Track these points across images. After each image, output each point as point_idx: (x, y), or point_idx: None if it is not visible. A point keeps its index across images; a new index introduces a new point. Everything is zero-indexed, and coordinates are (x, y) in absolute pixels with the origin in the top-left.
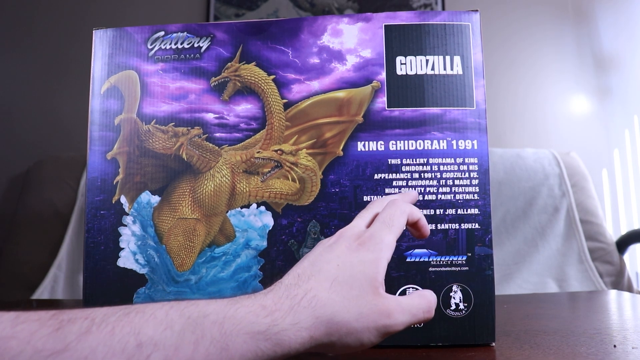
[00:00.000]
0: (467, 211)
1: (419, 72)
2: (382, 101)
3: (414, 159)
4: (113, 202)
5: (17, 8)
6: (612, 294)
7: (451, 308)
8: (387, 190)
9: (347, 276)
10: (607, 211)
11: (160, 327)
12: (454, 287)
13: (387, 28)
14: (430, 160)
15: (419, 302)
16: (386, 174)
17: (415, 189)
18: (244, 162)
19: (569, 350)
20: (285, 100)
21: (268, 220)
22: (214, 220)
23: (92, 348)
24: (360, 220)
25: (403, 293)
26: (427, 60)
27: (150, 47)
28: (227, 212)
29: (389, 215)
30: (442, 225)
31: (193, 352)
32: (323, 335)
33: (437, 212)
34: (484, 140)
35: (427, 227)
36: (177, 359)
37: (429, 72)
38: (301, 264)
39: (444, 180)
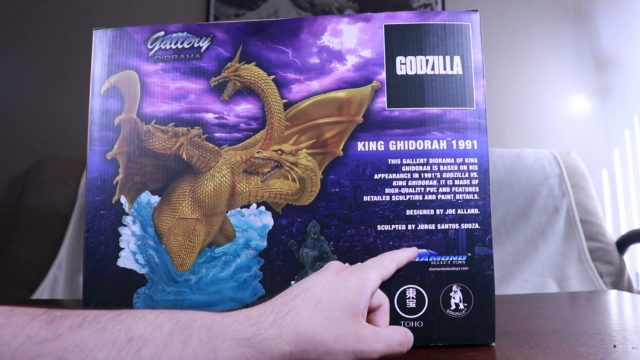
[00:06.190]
0: (467, 211)
1: (419, 72)
2: (382, 101)
3: (414, 159)
4: (113, 202)
5: (17, 8)
6: (612, 294)
7: (451, 308)
8: (387, 190)
9: (331, 299)
10: (607, 211)
11: (150, 327)
12: (454, 287)
13: (387, 28)
14: (430, 160)
15: (394, 335)
16: (386, 174)
17: (415, 189)
18: (244, 162)
19: (569, 350)
20: (285, 100)
21: (268, 220)
22: (214, 220)
23: (84, 338)
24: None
25: (403, 293)
26: (427, 60)
27: (150, 47)
28: (227, 212)
29: (379, 258)
30: (442, 225)
31: (182, 351)
32: (302, 351)
33: (437, 212)
34: (484, 140)
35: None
36: (166, 356)
37: (429, 72)
38: (291, 287)
39: (444, 180)
